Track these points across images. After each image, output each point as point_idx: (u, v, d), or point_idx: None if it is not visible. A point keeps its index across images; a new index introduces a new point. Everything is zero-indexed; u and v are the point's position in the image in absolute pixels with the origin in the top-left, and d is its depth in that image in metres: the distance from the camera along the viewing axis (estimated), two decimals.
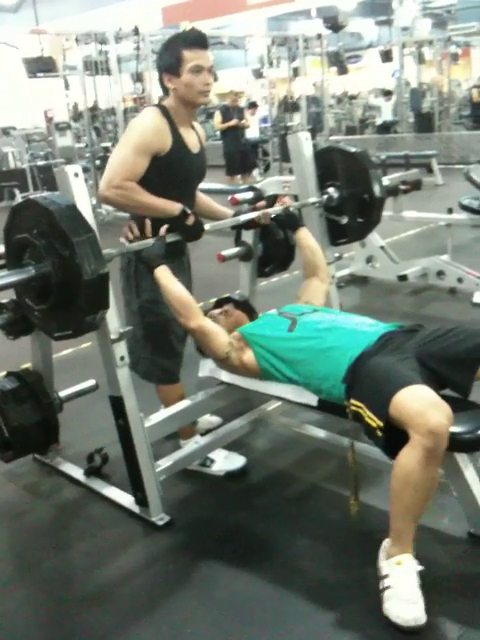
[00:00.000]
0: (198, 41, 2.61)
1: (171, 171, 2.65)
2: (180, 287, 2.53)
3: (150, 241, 2.52)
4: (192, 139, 2.77)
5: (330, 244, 3.33)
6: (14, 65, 11.95)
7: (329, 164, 3.25)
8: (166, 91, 2.69)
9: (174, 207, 2.62)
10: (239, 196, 3.07)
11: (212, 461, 2.88)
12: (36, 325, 2.45)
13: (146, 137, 2.58)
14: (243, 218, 2.90)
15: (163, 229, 2.54)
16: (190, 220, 2.63)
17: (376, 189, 3.18)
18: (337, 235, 3.34)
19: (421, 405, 1.94)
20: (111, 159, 2.61)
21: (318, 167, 3.24)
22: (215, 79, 2.74)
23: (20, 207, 2.26)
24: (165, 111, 2.66)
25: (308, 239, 3.02)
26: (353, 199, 3.23)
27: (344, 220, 3.26)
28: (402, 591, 1.97)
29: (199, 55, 2.58)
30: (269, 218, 2.94)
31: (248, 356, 2.57)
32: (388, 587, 2.00)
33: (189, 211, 2.64)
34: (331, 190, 3.23)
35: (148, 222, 2.53)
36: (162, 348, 2.83)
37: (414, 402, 1.96)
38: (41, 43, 11.21)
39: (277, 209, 2.99)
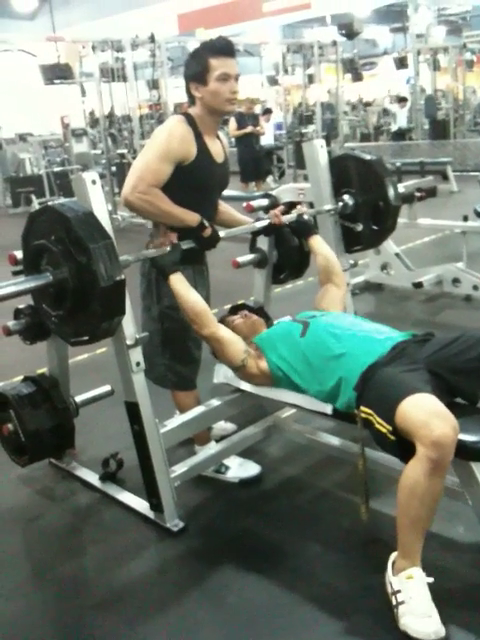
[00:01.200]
0: (225, 49, 2.62)
1: (194, 180, 2.66)
2: (194, 294, 2.55)
3: (167, 248, 2.54)
4: (217, 149, 2.78)
5: (345, 251, 3.33)
6: (31, 72, 12.02)
7: (344, 171, 3.26)
8: (193, 100, 2.69)
9: (193, 218, 2.64)
10: (254, 203, 3.09)
11: (227, 468, 2.89)
12: (53, 330, 2.47)
13: (171, 144, 2.59)
14: (259, 225, 2.91)
15: (174, 236, 2.57)
16: (207, 232, 2.65)
17: (391, 196, 3.18)
18: (352, 242, 3.34)
19: (425, 415, 1.93)
20: (135, 164, 2.63)
21: (333, 174, 3.25)
22: None
23: (38, 213, 2.29)
24: (191, 120, 2.67)
25: (321, 246, 3.02)
26: (368, 206, 3.23)
27: (359, 227, 3.26)
28: (416, 606, 1.96)
29: (226, 63, 2.60)
30: (280, 218, 2.95)
31: (264, 364, 2.58)
32: (402, 602, 1.98)
33: (207, 224, 2.66)
34: (346, 197, 3.24)
35: (174, 234, 2.57)
36: (180, 354, 2.84)
37: (418, 412, 1.95)
38: (58, 50, 11.28)
39: (291, 217, 3.01)
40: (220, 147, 2.82)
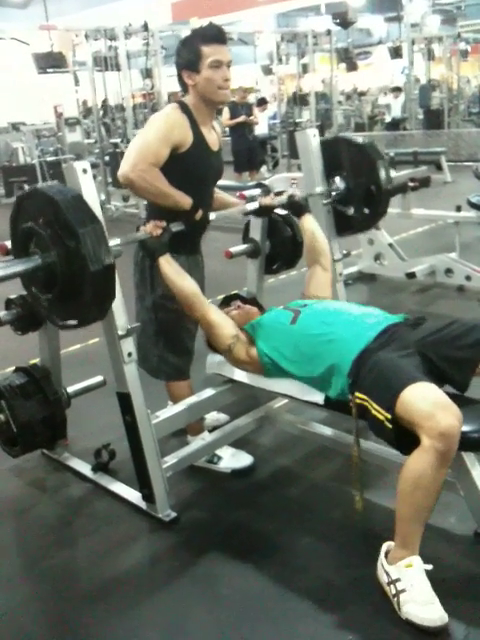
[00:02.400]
0: (216, 36, 2.61)
1: (190, 169, 2.65)
2: (186, 277, 2.57)
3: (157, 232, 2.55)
4: (212, 138, 2.77)
5: (336, 235, 3.32)
6: (24, 61, 11.93)
7: (336, 155, 3.25)
8: (185, 88, 2.68)
9: (187, 200, 2.63)
10: (247, 193, 3.07)
11: (219, 458, 2.89)
12: (42, 314, 2.43)
13: (169, 128, 2.59)
14: (250, 206, 2.92)
15: (163, 222, 2.56)
16: (198, 215, 2.67)
17: (383, 180, 3.17)
18: (343, 226, 3.34)
19: (430, 407, 1.92)
20: (134, 144, 2.60)
21: (325, 157, 3.25)
22: None
23: (26, 196, 2.26)
24: (186, 108, 2.65)
25: (311, 223, 3.02)
26: (360, 189, 3.22)
27: (350, 211, 3.26)
28: (418, 593, 1.96)
29: (218, 50, 2.58)
30: (271, 199, 2.96)
31: (253, 351, 2.58)
32: (402, 591, 1.98)
33: (198, 206, 2.66)
34: (337, 180, 3.24)
35: (162, 221, 2.55)
36: (173, 345, 2.83)
37: (422, 403, 1.95)
38: (51, 39, 11.20)
39: (282, 198, 3.02)
40: (216, 136, 2.81)
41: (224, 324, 2.61)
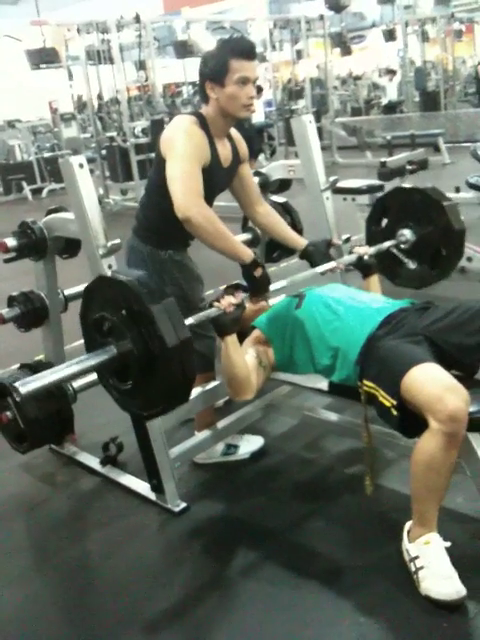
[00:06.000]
0: (247, 52, 2.48)
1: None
2: (244, 359, 2.43)
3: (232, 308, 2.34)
4: (225, 152, 2.65)
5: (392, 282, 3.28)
6: (17, 57, 11.92)
7: (410, 204, 3.16)
8: (206, 99, 2.55)
9: (247, 253, 2.47)
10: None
11: (235, 447, 2.91)
12: (123, 408, 2.16)
13: (194, 148, 2.45)
14: (321, 270, 2.75)
15: (237, 299, 2.35)
16: (258, 272, 2.48)
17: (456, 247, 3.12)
18: (399, 276, 3.28)
19: (437, 389, 1.93)
20: (173, 176, 2.40)
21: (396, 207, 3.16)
22: None
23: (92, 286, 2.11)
24: (203, 122, 2.54)
25: (373, 288, 2.88)
26: (428, 251, 3.12)
27: (411, 265, 3.16)
28: (437, 569, 1.98)
29: (246, 66, 2.45)
30: (340, 265, 2.82)
31: (271, 355, 2.56)
32: (421, 568, 2.00)
33: (260, 262, 2.49)
34: (407, 232, 3.13)
35: (239, 293, 2.39)
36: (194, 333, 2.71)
37: (429, 385, 1.95)
38: (43, 34, 11.18)
39: (351, 258, 2.87)
40: (229, 149, 2.68)
41: (257, 382, 2.49)
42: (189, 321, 2.16)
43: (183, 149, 2.42)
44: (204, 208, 2.37)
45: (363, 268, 2.89)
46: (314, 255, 2.81)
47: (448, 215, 3.02)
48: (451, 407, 1.89)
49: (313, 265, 2.79)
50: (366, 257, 2.86)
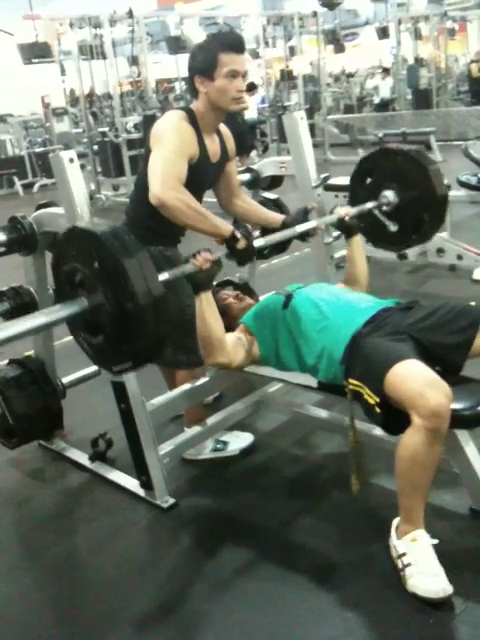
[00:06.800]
0: (236, 45, 2.49)
1: (188, 183, 2.46)
2: (219, 321, 2.42)
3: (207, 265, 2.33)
4: (214, 147, 2.65)
5: (373, 246, 3.27)
6: (9, 52, 11.87)
7: (395, 166, 3.10)
8: (195, 93, 2.55)
9: (226, 228, 2.45)
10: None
11: (225, 443, 2.91)
12: (94, 362, 2.24)
13: (182, 141, 2.46)
14: (300, 229, 2.76)
15: (213, 256, 2.33)
16: (240, 244, 2.45)
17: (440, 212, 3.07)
18: (381, 239, 3.24)
19: (419, 385, 1.94)
20: (153, 164, 2.41)
21: (381, 166, 3.12)
22: None
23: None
24: (192, 117, 2.54)
25: (356, 250, 2.90)
26: (411, 214, 3.07)
27: (393, 228, 3.11)
28: (423, 566, 1.99)
29: (235, 60, 2.46)
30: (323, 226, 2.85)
31: (256, 350, 2.56)
32: (408, 565, 2.01)
33: (239, 235, 2.45)
34: (389, 194, 3.06)
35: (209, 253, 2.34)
36: (179, 327, 2.65)
37: (411, 381, 1.96)
38: (35, 29, 11.12)
39: (331, 218, 2.88)
40: (217, 144, 2.68)
41: (237, 358, 2.50)
42: (164, 276, 2.16)
43: (170, 143, 2.43)
44: (181, 192, 2.36)
45: (346, 229, 2.90)
46: (292, 223, 2.82)
47: (432, 179, 2.99)
48: (433, 402, 1.90)
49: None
50: (347, 218, 2.86)
